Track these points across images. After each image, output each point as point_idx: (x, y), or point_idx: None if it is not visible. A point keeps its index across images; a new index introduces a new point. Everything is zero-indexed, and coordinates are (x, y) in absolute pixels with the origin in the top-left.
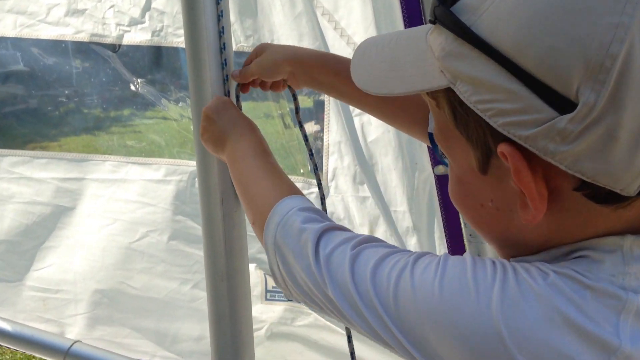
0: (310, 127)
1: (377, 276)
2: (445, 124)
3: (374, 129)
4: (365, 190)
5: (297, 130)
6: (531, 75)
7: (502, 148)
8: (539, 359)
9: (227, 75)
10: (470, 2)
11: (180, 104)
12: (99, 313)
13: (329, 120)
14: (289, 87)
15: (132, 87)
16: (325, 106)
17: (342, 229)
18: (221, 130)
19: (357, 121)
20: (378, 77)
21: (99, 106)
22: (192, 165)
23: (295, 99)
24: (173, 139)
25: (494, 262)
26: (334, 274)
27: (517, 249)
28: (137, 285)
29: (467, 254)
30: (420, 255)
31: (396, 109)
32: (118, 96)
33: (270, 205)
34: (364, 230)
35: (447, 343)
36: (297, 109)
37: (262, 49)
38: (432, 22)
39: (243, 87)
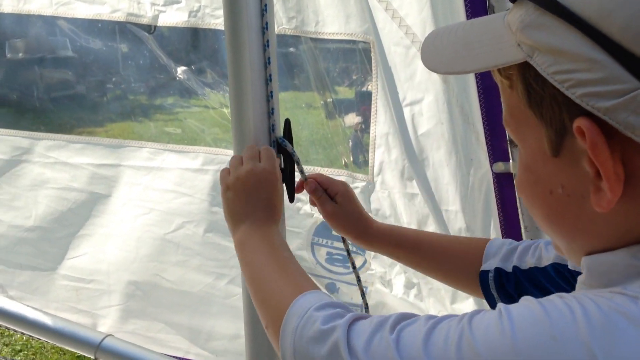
0: (352, 119)
1: (431, 351)
2: (518, 105)
3: (426, 121)
4: (414, 187)
5: (340, 120)
6: (616, 42)
7: (579, 122)
8: None
9: (268, 58)
10: None
11: (220, 91)
12: (132, 305)
13: (376, 110)
14: (343, 240)
15: (172, 74)
16: (373, 95)
17: (367, 316)
18: (243, 204)
19: (407, 112)
20: (450, 58)
21: (137, 92)
22: (230, 154)
23: (349, 253)
24: (212, 127)
25: (567, 302)
26: None
27: (590, 243)
28: (171, 278)
29: (526, 299)
30: (474, 315)
31: (458, 268)
32: (157, 83)
33: (284, 306)
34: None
35: None
36: (348, 252)
37: (340, 194)
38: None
39: (298, 189)
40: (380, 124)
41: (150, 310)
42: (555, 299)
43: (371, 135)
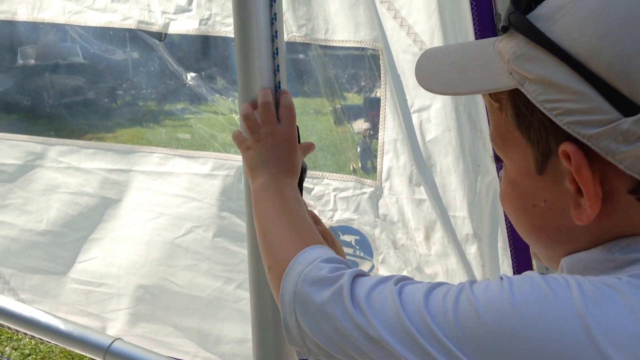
0: (360, 125)
1: (430, 304)
2: (506, 126)
3: (434, 127)
4: (422, 193)
5: (349, 126)
6: (601, 79)
7: (565, 147)
8: (627, 351)
9: (277, 66)
10: (545, 12)
11: (230, 98)
12: (141, 309)
13: (384, 116)
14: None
15: (182, 80)
16: (382, 101)
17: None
18: (263, 160)
19: (415, 118)
20: (444, 79)
21: (147, 98)
22: (239, 159)
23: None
24: (221, 133)
25: (563, 276)
26: (379, 311)
27: (568, 249)
28: (180, 282)
29: (530, 272)
30: (475, 281)
31: None
32: (167, 89)
33: (292, 254)
34: (419, 235)
35: (522, 355)
36: None
37: None
38: (505, 28)
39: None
40: (389, 130)
41: (159, 313)
42: (554, 274)
43: (379, 141)
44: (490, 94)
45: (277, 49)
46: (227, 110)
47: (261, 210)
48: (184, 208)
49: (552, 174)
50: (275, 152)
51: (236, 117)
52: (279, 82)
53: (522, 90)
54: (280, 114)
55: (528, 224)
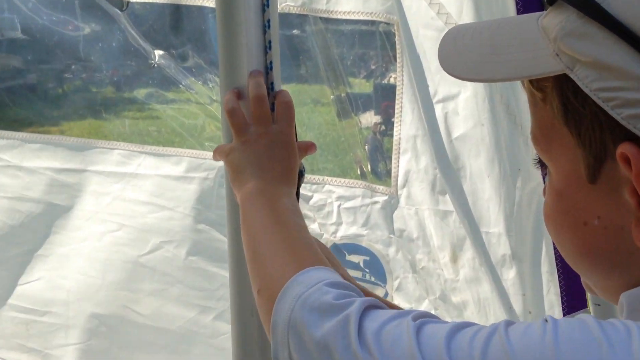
0: (370, 118)
1: (454, 347)
2: (551, 121)
3: (462, 121)
4: (448, 203)
5: (356, 119)
6: None
7: (623, 148)
8: None
9: (269, 42)
10: None
11: (208, 83)
12: (95, 345)
13: (401, 107)
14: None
15: (148, 60)
16: (397, 89)
17: (386, 308)
18: (252, 162)
19: (439, 110)
20: (474, 62)
21: (104, 83)
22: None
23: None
24: (198, 126)
25: (624, 322)
26: (390, 350)
27: (628, 278)
28: (144, 311)
29: (582, 315)
30: (512, 322)
31: None
32: (130, 71)
33: (289, 274)
34: (444, 256)
35: None
36: None
37: None
38: (551, 1)
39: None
40: (406, 125)
41: (117, 351)
42: (612, 319)
43: (394, 138)
44: (531, 82)
45: (268, 20)
46: (205, 98)
47: (251, 222)
48: (150, 218)
49: (608, 182)
50: (268, 155)
51: (215, 109)
52: (271, 63)
53: (572, 75)
54: (276, 112)
55: (577, 247)
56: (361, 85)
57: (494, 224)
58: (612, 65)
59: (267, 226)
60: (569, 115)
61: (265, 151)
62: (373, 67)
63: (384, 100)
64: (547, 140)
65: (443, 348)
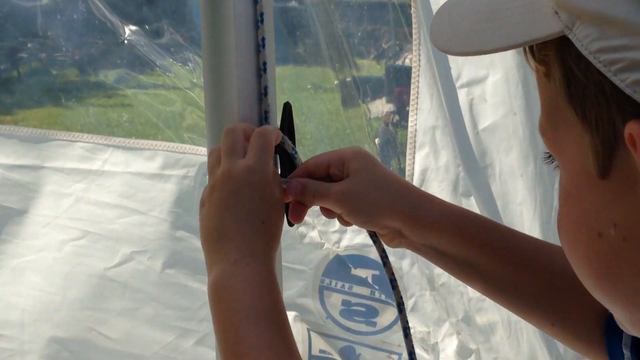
0: (381, 107)
1: None
2: (555, 101)
3: (491, 109)
4: (473, 207)
5: (364, 107)
6: None
7: (630, 128)
8: None
9: (261, 15)
10: None
11: (188, 64)
12: None
13: (417, 93)
14: (376, 242)
15: (117, 36)
16: (413, 72)
17: None
18: (217, 234)
19: (463, 96)
20: (467, 32)
21: (65, 64)
22: (203, 153)
23: (386, 263)
24: (176, 115)
25: None
26: None
27: None
28: (113, 334)
29: None
30: None
31: (568, 301)
32: (96, 50)
33: None
34: (469, 290)
35: None
36: (393, 283)
37: (346, 163)
38: None
39: (293, 211)
40: (424, 114)
41: None
42: None
43: (409, 130)
44: (533, 53)
45: None
46: (185, 81)
47: (222, 319)
48: (119, 224)
49: (622, 177)
50: (236, 208)
51: (197, 95)
52: (263, 40)
53: (570, 36)
54: (250, 143)
55: (593, 268)
56: (370, 68)
57: (527, 232)
58: (614, 17)
59: (242, 328)
60: (572, 89)
61: (233, 202)
62: (385, 45)
63: (398, 85)
64: (553, 127)
65: None
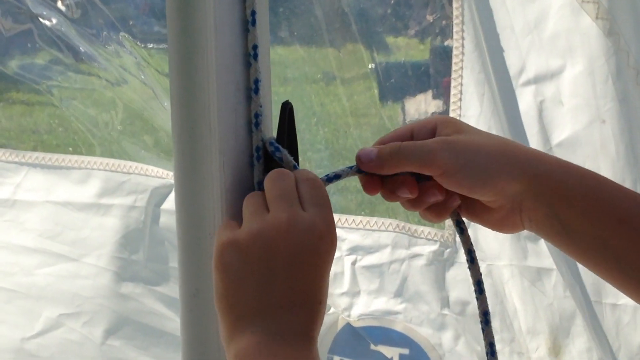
0: (421, 105)
1: None
2: None
3: (570, 115)
4: (544, 255)
5: (396, 107)
6: None
7: None
8: None
9: None
10: None
11: (127, 47)
12: None
13: (460, 91)
14: (457, 219)
15: (23, 12)
16: (455, 61)
17: None
18: (250, 300)
19: (529, 96)
20: None
21: None
22: (156, 174)
23: (473, 264)
24: (119, 124)
25: None
26: None
27: None
28: None
29: None
30: None
31: None
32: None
33: None
34: (537, 346)
35: None
36: (471, 255)
37: (439, 128)
38: None
39: (367, 183)
40: (471, 122)
41: None
42: None
43: None
44: None
45: None
46: (125, 72)
47: None
48: (40, 276)
49: None
50: (287, 273)
51: (157, 90)
52: (253, 13)
53: None
54: (303, 189)
55: None
56: (409, 48)
57: None
58: None
59: None
60: None
61: (283, 265)
62: (430, 18)
63: (443, 75)
64: None
65: None
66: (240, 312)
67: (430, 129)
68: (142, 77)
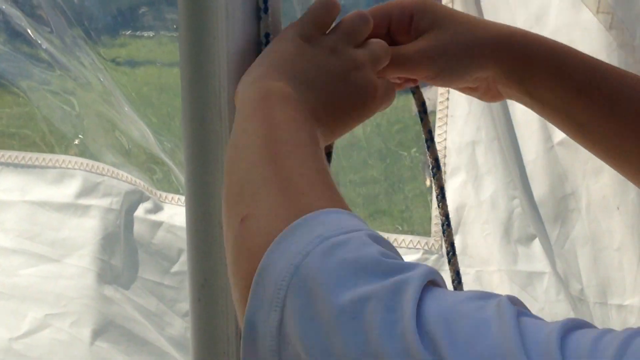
0: (433, 93)
1: (570, 344)
2: None
3: None
4: (537, 257)
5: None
6: None
7: None
8: None
9: None
10: None
11: (98, 40)
12: None
13: (448, 89)
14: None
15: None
16: None
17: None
18: (304, 70)
19: None
20: None
21: None
22: (126, 179)
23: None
24: (99, 119)
25: None
26: (471, 342)
27: None
28: None
29: None
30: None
31: None
32: None
33: (305, 206)
34: None
35: None
36: (431, 135)
37: (415, 18)
38: None
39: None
40: (458, 123)
41: None
42: None
43: (437, 146)
44: None
45: None
46: (99, 69)
47: (256, 128)
48: (24, 277)
49: None
50: (341, 86)
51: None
52: (265, 1)
53: None
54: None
55: None
56: None
57: (630, 291)
58: None
59: (280, 143)
60: None
61: (339, 74)
62: None
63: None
64: None
65: (554, 344)
66: (285, 66)
67: (407, 18)
68: (102, 79)
